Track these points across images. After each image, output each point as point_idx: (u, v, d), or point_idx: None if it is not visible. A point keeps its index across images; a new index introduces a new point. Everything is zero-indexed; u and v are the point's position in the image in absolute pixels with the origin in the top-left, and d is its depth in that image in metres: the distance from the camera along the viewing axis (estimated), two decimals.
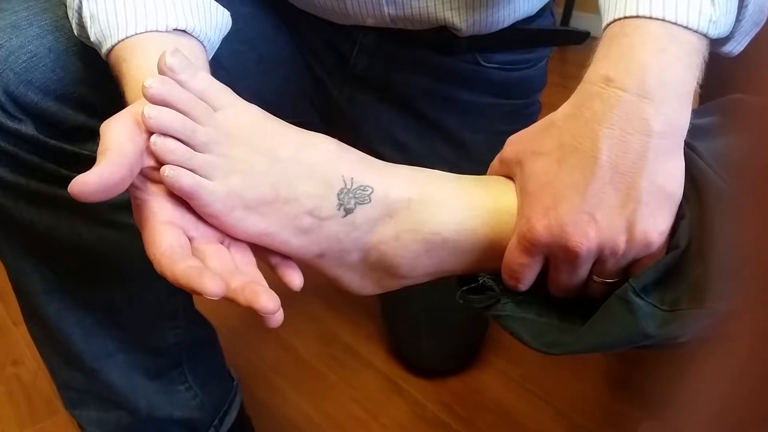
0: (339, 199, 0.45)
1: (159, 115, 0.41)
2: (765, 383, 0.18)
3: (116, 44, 0.49)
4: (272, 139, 0.45)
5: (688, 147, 0.44)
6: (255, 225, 0.44)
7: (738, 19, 0.44)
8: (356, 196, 0.46)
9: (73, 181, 0.38)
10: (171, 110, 0.42)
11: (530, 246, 0.44)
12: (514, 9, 0.75)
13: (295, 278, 0.46)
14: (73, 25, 0.54)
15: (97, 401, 0.75)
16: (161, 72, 0.42)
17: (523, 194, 0.46)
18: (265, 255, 0.47)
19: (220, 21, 0.55)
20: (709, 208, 0.42)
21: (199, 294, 0.38)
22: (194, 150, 0.43)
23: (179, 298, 0.75)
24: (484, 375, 1.02)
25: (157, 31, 0.49)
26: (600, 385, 1.00)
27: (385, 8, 0.72)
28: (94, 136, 0.58)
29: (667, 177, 0.42)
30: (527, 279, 0.46)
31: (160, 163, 0.42)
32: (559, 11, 2.55)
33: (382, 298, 1.03)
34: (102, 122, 0.58)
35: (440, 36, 0.76)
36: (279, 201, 0.44)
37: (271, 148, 0.45)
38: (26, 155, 0.56)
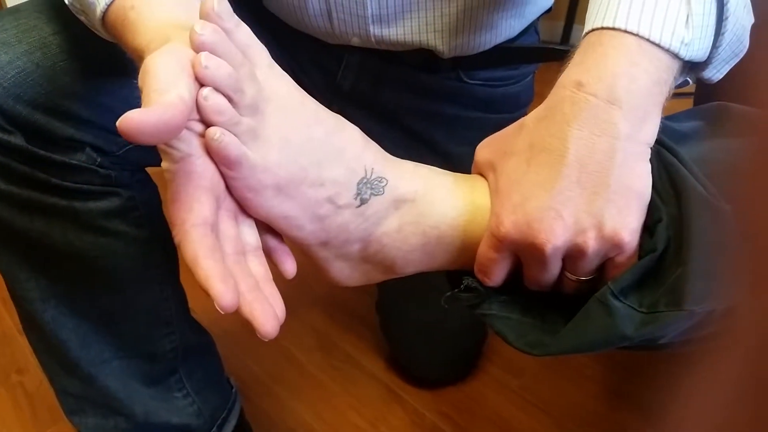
0: (358, 189, 0.45)
1: (217, 68, 0.38)
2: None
3: None
4: (307, 114, 0.44)
5: (670, 151, 0.45)
6: (279, 206, 0.42)
7: (715, 46, 0.45)
8: (373, 187, 0.46)
9: (126, 115, 0.33)
10: (227, 64, 0.39)
11: (498, 242, 0.45)
12: (496, 34, 0.77)
13: (289, 265, 0.45)
14: None
15: (95, 408, 0.76)
16: (205, 16, 0.39)
17: (494, 193, 0.46)
18: (264, 237, 0.45)
19: None
20: (688, 211, 0.42)
21: (206, 292, 0.36)
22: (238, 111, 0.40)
23: (173, 304, 0.75)
24: (482, 385, 1.02)
25: None
26: (598, 394, 0.99)
27: (371, 28, 0.74)
28: (82, 147, 0.60)
29: (634, 177, 0.42)
30: (496, 275, 0.47)
31: (202, 117, 0.39)
32: (560, 24, 2.55)
33: (381, 309, 1.04)
34: (87, 133, 0.59)
35: (423, 56, 0.77)
36: (306, 183, 0.43)
37: (306, 124, 0.43)
38: (18, 165, 0.57)
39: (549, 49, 0.82)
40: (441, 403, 0.99)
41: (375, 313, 1.06)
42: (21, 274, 0.66)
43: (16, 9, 0.61)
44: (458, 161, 0.85)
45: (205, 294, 0.36)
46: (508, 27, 0.78)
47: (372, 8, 0.72)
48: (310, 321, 1.16)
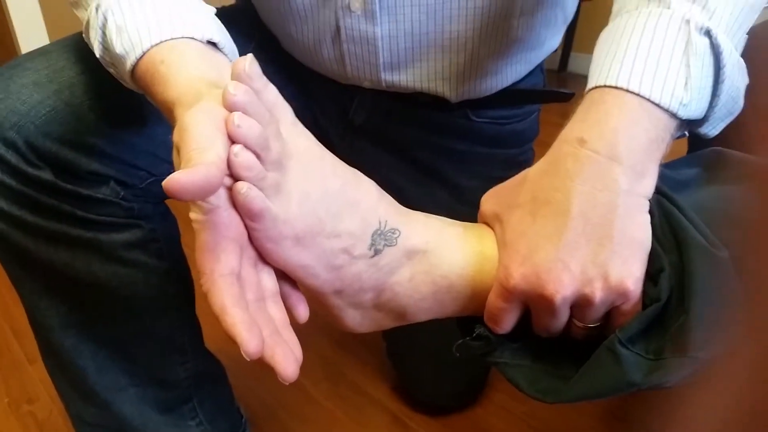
0: (372, 240, 0.47)
1: (249, 128, 0.40)
2: (763, 414, 0.19)
3: (150, 48, 0.48)
4: (325, 168, 0.46)
5: (670, 201, 0.46)
6: (296, 256, 0.44)
7: (711, 106, 0.47)
8: (386, 238, 0.47)
9: (173, 177, 0.35)
10: (257, 124, 0.41)
11: (508, 293, 0.46)
12: (502, 79, 0.80)
13: (302, 311, 0.46)
14: (96, 47, 0.54)
15: None
16: (237, 77, 0.41)
17: (501, 245, 0.47)
18: (279, 283, 0.46)
19: (235, 49, 0.56)
20: (689, 260, 0.43)
21: (233, 339, 0.38)
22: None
23: (188, 333, 0.77)
24: (487, 412, 1.03)
25: (192, 38, 0.49)
26: (602, 421, 1.01)
27: (382, 75, 0.77)
28: (107, 180, 0.62)
29: (636, 228, 0.44)
30: (506, 323, 0.48)
31: (232, 172, 0.41)
32: (557, 52, 2.61)
33: (388, 338, 1.05)
34: (111, 168, 0.62)
35: (433, 96, 0.80)
36: (323, 234, 0.44)
37: (324, 177, 0.45)
38: (46, 199, 0.60)
39: (553, 92, 0.85)
40: (447, 430, 1.00)
41: (382, 340, 1.07)
42: (42, 303, 0.68)
43: (47, 50, 0.64)
44: (469, 194, 0.88)
45: (232, 340, 0.38)
46: (514, 72, 0.81)
47: (383, 57, 0.75)
48: (318, 349, 1.17)
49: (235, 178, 0.41)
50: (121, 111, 0.63)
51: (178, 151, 0.40)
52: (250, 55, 0.42)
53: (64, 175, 0.60)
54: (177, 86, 0.45)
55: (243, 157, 0.40)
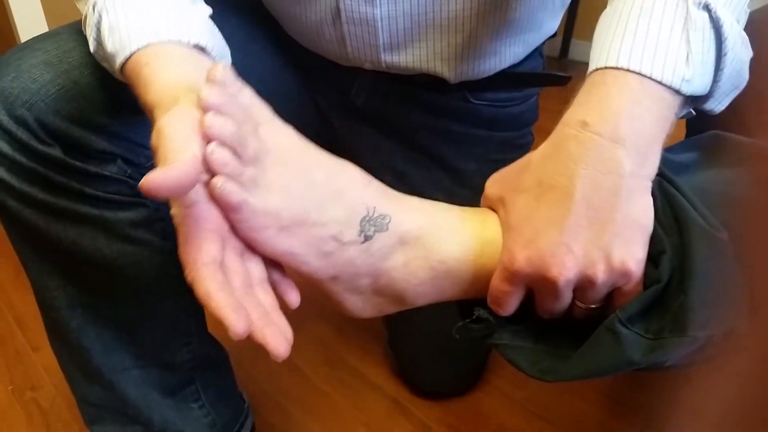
0: (361, 226, 0.48)
1: (222, 126, 0.42)
2: (764, 403, 0.19)
3: (136, 51, 0.50)
4: (308, 161, 0.47)
5: (671, 183, 0.47)
6: (283, 243, 0.45)
7: (715, 80, 0.47)
8: (376, 224, 0.48)
9: (149, 176, 0.37)
10: (231, 121, 0.42)
11: (512, 276, 0.46)
12: (500, 61, 0.81)
13: (292, 297, 0.48)
14: (90, 42, 0.57)
15: (114, 416, 0.78)
16: (211, 83, 0.43)
17: (505, 228, 0.48)
18: (269, 270, 0.48)
19: (226, 51, 0.59)
20: (689, 242, 0.44)
21: (221, 322, 0.39)
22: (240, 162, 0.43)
23: (192, 316, 0.78)
24: (488, 397, 1.04)
25: (179, 42, 0.51)
26: (601, 405, 1.02)
27: (382, 55, 0.79)
28: (114, 159, 0.63)
29: (639, 211, 0.45)
30: (509, 306, 0.49)
31: (208, 168, 0.42)
32: (558, 39, 2.62)
33: (389, 325, 1.06)
34: (119, 146, 0.63)
35: (432, 78, 0.82)
36: (308, 223, 0.46)
37: (307, 170, 0.47)
38: (55, 176, 0.61)
39: (550, 75, 0.86)
40: (447, 415, 1.01)
41: (382, 326, 1.08)
42: (50, 282, 0.69)
43: (57, 32, 0.65)
44: (466, 176, 0.89)
45: (221, 324, 0.39)
46: (512, 54, 0.82)
47: (383, 38, 0.76)
48: (318, 335, 1.18)
49: (213, 173, 0.42)
50: (127, 91, 0.64)
51: (156, 154, 0.42)
52: (222, 62, 0.44)
53: (73, 152, 0.61)
54: (156, 90, 0.47)
55: (218, 154, 0.42)
